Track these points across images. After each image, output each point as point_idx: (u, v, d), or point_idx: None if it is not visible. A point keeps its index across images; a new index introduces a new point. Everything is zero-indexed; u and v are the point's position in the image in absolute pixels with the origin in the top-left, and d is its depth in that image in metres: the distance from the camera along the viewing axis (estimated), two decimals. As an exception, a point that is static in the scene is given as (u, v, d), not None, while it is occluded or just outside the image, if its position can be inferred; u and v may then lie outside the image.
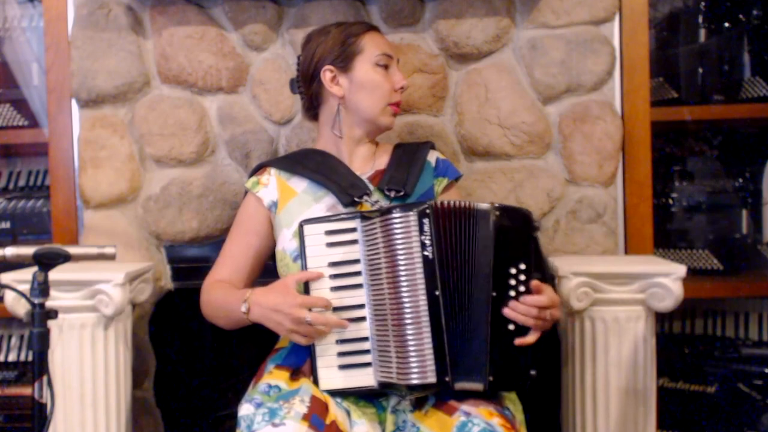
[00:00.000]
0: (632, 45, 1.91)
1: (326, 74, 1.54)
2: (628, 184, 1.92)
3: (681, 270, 1.62)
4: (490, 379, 1.30)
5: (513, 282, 1.31)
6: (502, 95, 1.88)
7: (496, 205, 1.33)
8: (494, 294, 1.30)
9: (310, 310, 1.33)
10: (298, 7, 1.89)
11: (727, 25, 2.14)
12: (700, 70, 2.12)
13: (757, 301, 2.19)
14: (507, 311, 1.30)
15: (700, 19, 2.14)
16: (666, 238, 2.15)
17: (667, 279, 1.61)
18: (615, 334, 1.65)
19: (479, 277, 1.31)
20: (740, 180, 2.18)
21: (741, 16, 2.13)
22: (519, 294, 1.31)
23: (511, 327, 1.31)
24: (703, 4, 2.14)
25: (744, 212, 2.16)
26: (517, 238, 1.33)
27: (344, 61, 1.54)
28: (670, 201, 2.16)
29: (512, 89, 1.88)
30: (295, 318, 1.32)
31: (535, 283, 1.31)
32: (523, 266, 1.31)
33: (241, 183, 1.91)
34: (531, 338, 1.31)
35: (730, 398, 2.10)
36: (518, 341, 1.30)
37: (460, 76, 1.91)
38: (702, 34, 2.15)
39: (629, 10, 1.90)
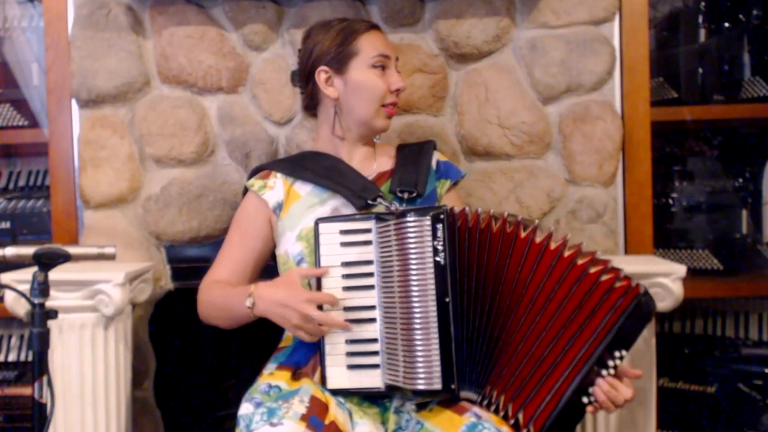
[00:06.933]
0: (632, 45, 1.90)
1: (321, 75, 1.53)
2: (628, 184, 1.92)
3: (681, 270, 1.62)
4: None
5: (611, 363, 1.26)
6: (502, 95, 1.88)
7: (643, 286, 1.25)
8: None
9: (321, 308, 1.33)
10: (298, 7, 1.89)
11: (727, 25, 2.14)
12: (700, 70, 2.12)
13: (757, 301, 2.19)
14: (594, 388, 1.25)
15: (700, 19, 2.14)
16: (666, 238, 2.15)
17: (667, 279, 1.61)
18: (615, 334, 1.65)
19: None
20: (740, 180, 2.18)
21: (741, 16, 2.13)
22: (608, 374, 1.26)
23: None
24: (703, 4, 2.14)
25: (744, 212, 2.16)
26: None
27: (339, 63, 1.51)
28: (670, 201, 2.16)
29: (512, 89, 1.88)
30: (303, 314, 1.31)
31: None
32: (624, 352, 1.25)
33: (242, 183, 1.90)
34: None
35: (730, 398, 2.10)
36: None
37: (460, 76, 1.91)
38: (702, 34, 2.14)
39: (629, 10, 1.90)
